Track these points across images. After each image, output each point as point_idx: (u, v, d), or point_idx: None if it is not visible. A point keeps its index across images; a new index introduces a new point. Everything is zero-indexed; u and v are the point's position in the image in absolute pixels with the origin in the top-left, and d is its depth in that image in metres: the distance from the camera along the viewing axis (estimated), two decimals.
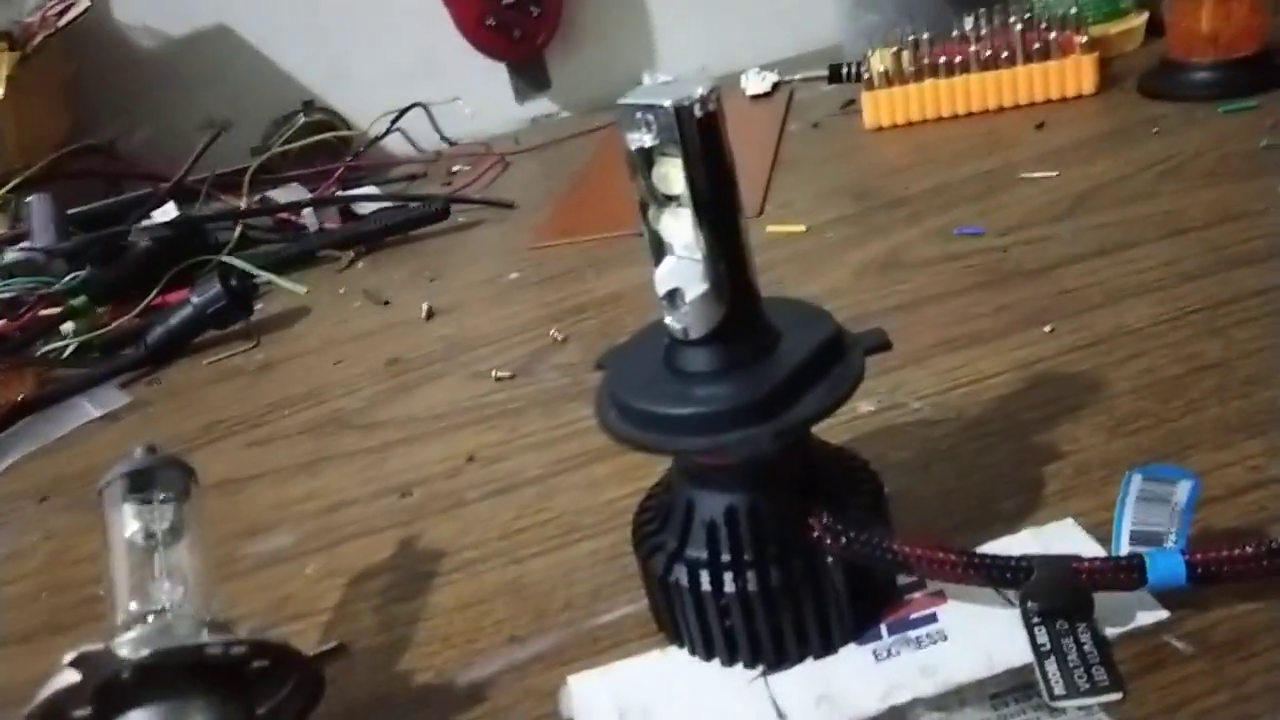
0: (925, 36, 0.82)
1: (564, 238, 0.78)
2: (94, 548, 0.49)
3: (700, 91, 0.29)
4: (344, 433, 0.57)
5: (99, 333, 0.75)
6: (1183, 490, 0.33)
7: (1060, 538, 0.36)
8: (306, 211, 0.91)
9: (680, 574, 0.33)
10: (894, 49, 0.83)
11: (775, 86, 1.03)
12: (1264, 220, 0.54)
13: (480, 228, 0.87)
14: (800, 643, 0.33)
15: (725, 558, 0.33)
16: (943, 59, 0.82)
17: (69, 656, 0.27)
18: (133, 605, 0.31)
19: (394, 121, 1.06)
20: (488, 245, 0.83)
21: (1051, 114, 0.78)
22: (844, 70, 0.92)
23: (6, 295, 0.75)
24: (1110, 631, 0.32)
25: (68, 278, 0.76)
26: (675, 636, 0.35)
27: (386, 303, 0.74)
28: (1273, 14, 0.73)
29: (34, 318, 0.74)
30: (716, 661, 0.34)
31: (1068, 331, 0.49)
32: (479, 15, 1.11)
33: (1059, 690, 0.30)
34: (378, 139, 1.08)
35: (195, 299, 0.72)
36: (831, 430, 0.41)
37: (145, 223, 0.86)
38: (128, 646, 0.28)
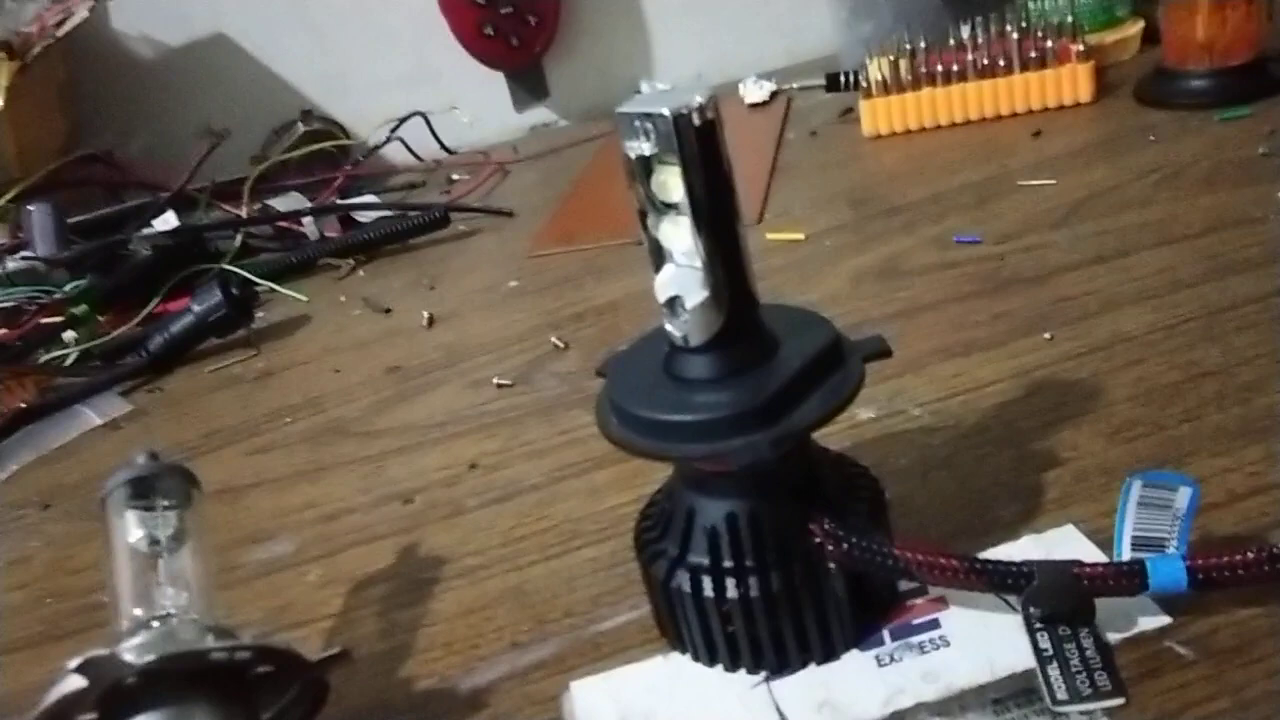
0: (922, 45, 0.83)
1: (563, 245, 0.79)
2: (95, 555, 0.49)
3: (698, 100, 0.29)
4: (344, 440, 0.57)
5: (100, 341, 0.75)
6: (1183, 496, 0.33)
7: (1061, 544, 0.36)
8: (306, 220, 0.91)
9: (682, 580, 0.33)
10: (891, 57, 0.83)
11: (773, 95, 1.03)
12: (1261, 227, 0.54)
13: (479, 236, 0.87)
14: (802, 648, 0.33)
15: (727, 563, 0.33)
16: (940, 67, 0.82)
17: (74, 662, 0.27)
18: (137, 611, 0.32)
19: (393, 130, 1.06)
20: (487, 253, 0.83)
21: (1048, 122, 0.79)
22: (842, 78, 0.92)
23: (7, 304, 0.75)
24: (1112, 637, 0.32)
25: (68, 286, 0.76)
26: (677, 642, 0.35)
27: (388, 310, 0.74)
28: (1268, 22, 0.74)
29: (35, 326, 0.74)
30: (719, 667, 0.34)
31: (1066, 339, 0.49)
32: (477, 24, 1.12)
33: (1061, 695, 0.30)
34: (377, 148, 1.08)
35: (196, 307, 0.72)
36: (832, 437, 0.41)
37: (145, 231, 0.86)
38: (133, 652, 0.28)
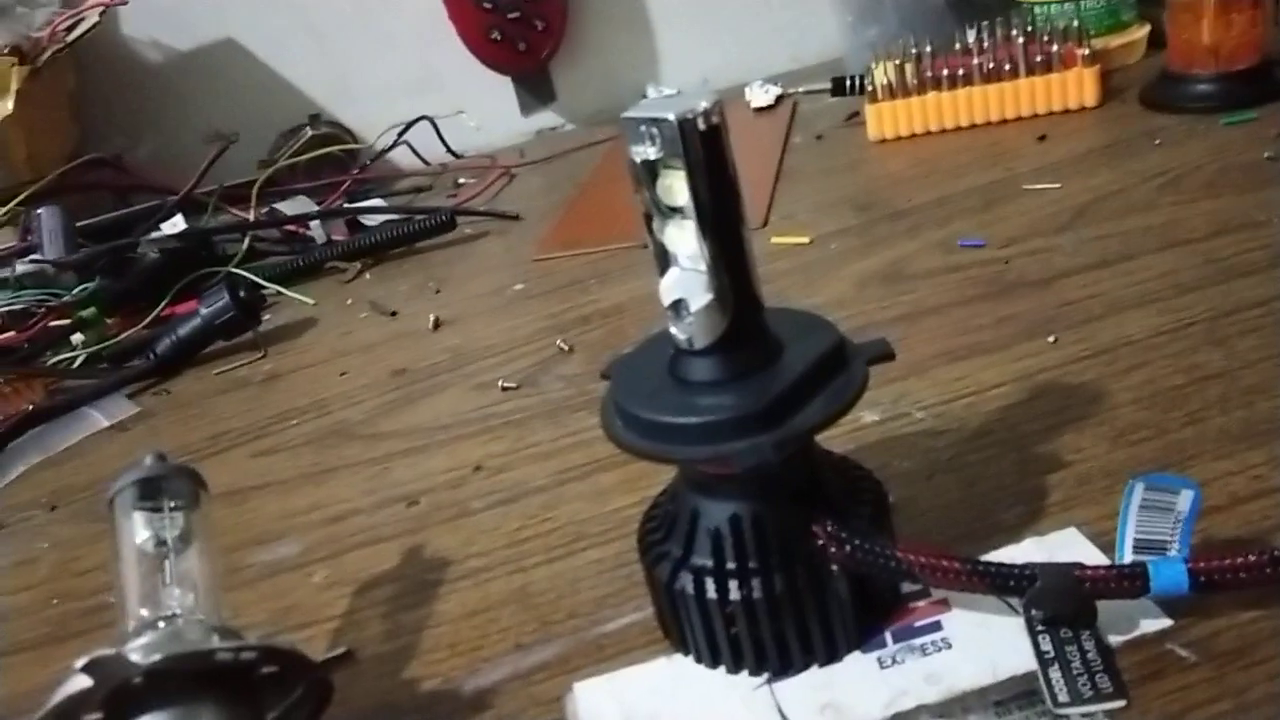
0: (928, 49, 0.83)
1: (569, 249, 0.79)
2: (101, 557, 0.50)
3: (704, 105, 0.29)
4: (350, 443, 0.57)
5: (107, 343, 0.75)
6: (1185, 499, 0.33)
7: (1063, 546, 0.36)
8: (313, 223, 0.92)
9: (686, 582, 0.33)
10: (897, 61, 0.83)
11: (779, 99, 1.03)
12: (1265, 231, 0.54)
13: (485, 239, 0.87)
14: (805, 650, 0.33)
15: (730, 565, 0.33)
16: (945, 71, 0.82)
17: (81, 661, 0.27)
18: (143, 612, 0.32)
19: (400, 134, 1.07)
20: (493, 257, 0.84)
21: (1053, 126, 0.79)
22: (847, 83, 0.92)
23: (16, 307, 0.75)
24: (1114, 639, 0.32)
25: (77, 289, 0.77)
26: (681, 644, 0.35)
27: (394, 314, 0.75)
28: (1274, 26, 0.74)
29: (43, 329, 0.75)
30: (722, 669, 0.34)
31: (1070, 342, 0.49)
32: (484, 29, 1.12)
33: (1063, 698, 0.30)
34: (384, 152, 1.08)
35: (203, 310, 0.72)
36: (835, 440, 0.42)
37: (154, 235, 0.87)
38: (139, 652, 0.28)
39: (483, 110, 1.13)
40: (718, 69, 1.16)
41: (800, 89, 1.03)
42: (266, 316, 0.78)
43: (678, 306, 0.31)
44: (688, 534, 0.34)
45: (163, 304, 0.79)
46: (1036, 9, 0.89)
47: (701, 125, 0.29)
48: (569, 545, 0.43)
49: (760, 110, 1.02)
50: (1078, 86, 0.80)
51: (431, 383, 0.62)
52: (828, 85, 0.94)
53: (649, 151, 0.30)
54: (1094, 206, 0.63)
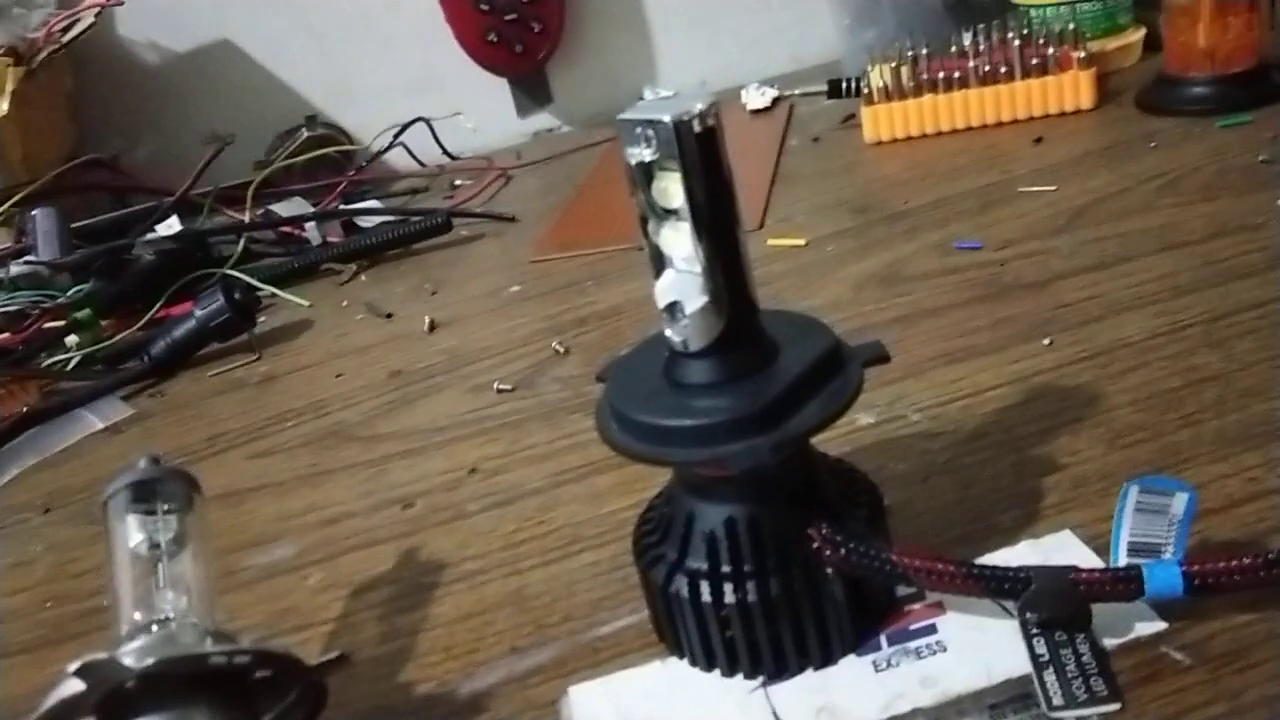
0: (924, 51, 0.83)
1: (565, 251, 0.79)
2: (96, 559, 0.50)
3: (699, 107, 0.29)
4: (346, 445, 0.57)
5: (102, 345, 0.75)
6: (1180, 502, 0.33)
7: (1059, 549, 0.36)
8: (309, 225, 0.91)
9: (681, 585, 0.33)
10: (893, 64, 0.83)
11: (775, 101, 1.03)
12: (1261, 234, 0.55)
13: (482, 241, 0.87)
14: (800, 653, 0.33)
15: (725, 568, 0.33)
16: (941, 74, 0.82)
17: (74, 665, 0.27)
18: (137, 615, 0.32)
19: (396, 136, 1.07)
20: (489, 259, 0.84)
21: (1050, 129, 0.79)
22: (844, 85, 0.92)
23: (11, 308, 0.75)
24: (1109, 642, 0.32)
25: (72, 291, 0.76)
26: (676, 647, 0.35)
27: (390, 315, 0.74)
28: (1269, 29, 0.74)
29: (38, 330, 0.75)
30: (717, 672, 0.34)
31: (1066, 344, 0.49)
32: (480, 30, 1.12)
33: (1057, 701, 0.30)
34: (380, 153, 1.08)
35: (199, 312, 0.72)
36: (831, 442, 0.42)
37: (149, 236, 0.87)
38: (132, 655, 0.28)
39: (479, 112, 1.13)
40: (715, 71, 1.17)
41: (797, 91, 1.03)
42: (262, 318, 0.78)
43: (673, 309, 0.31)
44: (683, 537, 0.34)
45: (158, 306, 0.79)
46: (1033, 12, 0.89)
47: (697, 127, 0.29)
48: (564, 548, 0.43)
49: (757, 112, 1.03)
50: (1074, 89, 0.80)
51: (427, 385, 0.62)
52: (824, 87, 0.94)
53: (644, 153, 0.30)
54: (1090, 209, 0.63)
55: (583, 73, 1.19)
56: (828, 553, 0.33)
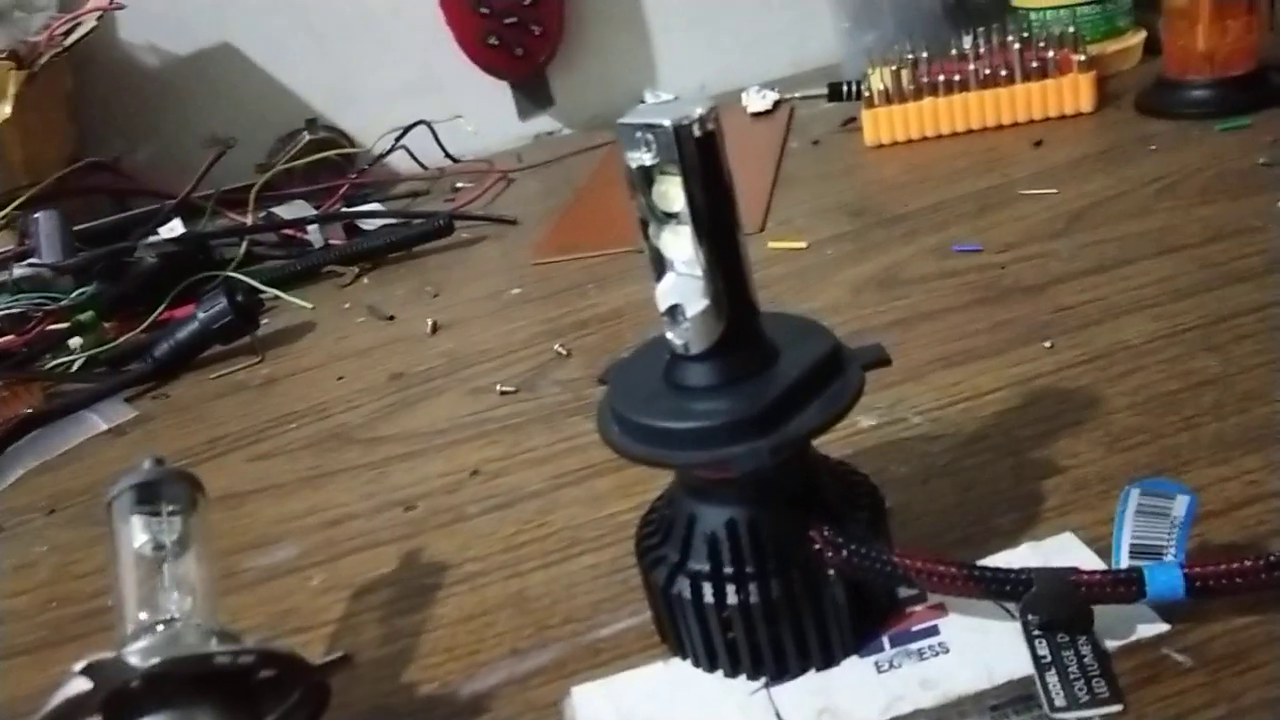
0: (924, 55, 0.83)
1: (566, 254, 0.79)
2: (99, 561, 0.50)
3: (699, 111, 0.30)
4: (347, 447, 0.57)
5: (105, 347, 0.75)
6: (1181, 504, 0.33)
7: (1060, 551, 0.36)
8: (311, 228, 0.92)
9: (682, 586, 0.34)
10: (893, 67, 0.83)
11: (776, 104, 1.04)
12: (1260, 237, 0.55)
13: (483, 244, 0.87)
14: (802, 654, 0.33)
15: (727, 570, 0.33)
16: (941, 77, 0.82)
17: (80, 664, 0.28)
18: (142, 615, 0.32)
19: (398, 139, 1.07)
20: (490, 261, 0.84)
21: (1049, 132, 0.79)
22: (844, 88, 0.92)
23: (13, 310, 0.75)
24: (1110, 644, 0.32)
25: (74, 293, 0.77)
26: (678, 648, 0.35)
27: (391, 318, 0.75)
28: (1268, 32, 0.74)
29: (41, 333, 0.75)
30: (719, 673, 0.34)
31: (1066, 347, 0.49)
32: (481, 34, 1.12)
33: (1059, 702, 0.30)
34: (382, 156, 1.08)
35: (201, 314, 0.72)
36: (832, 445, 0.42)
37: (151, 239, 0.87)
38: (137, 655, 0.28)
39: (480, 115, 1.14)
40: (715, 74, 1.17)
41: (797, 94, 1.03)
42: (264, 321, 0.78)
43: (674, 311, 0.31)
44: (684, 539, 0.34)
45: (160, 308, 0.79)
46: (1033, 15, 0.89)
47: (697, 131, 0.29)
48: (565, 550, 0.43)
49: (757, 115, 1.03)
50: (1074, 92, 0.80)
51: (428, 387, 0.63)
52: (825, 91, 0.95)
53: (645, 157, 0.30)
54: (1090, 212, 0.63)
55: (583, 76, 1.19)
56: (829, 554, 0.33)
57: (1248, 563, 0.31)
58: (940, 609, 0.35)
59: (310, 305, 0.81)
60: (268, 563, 0.48)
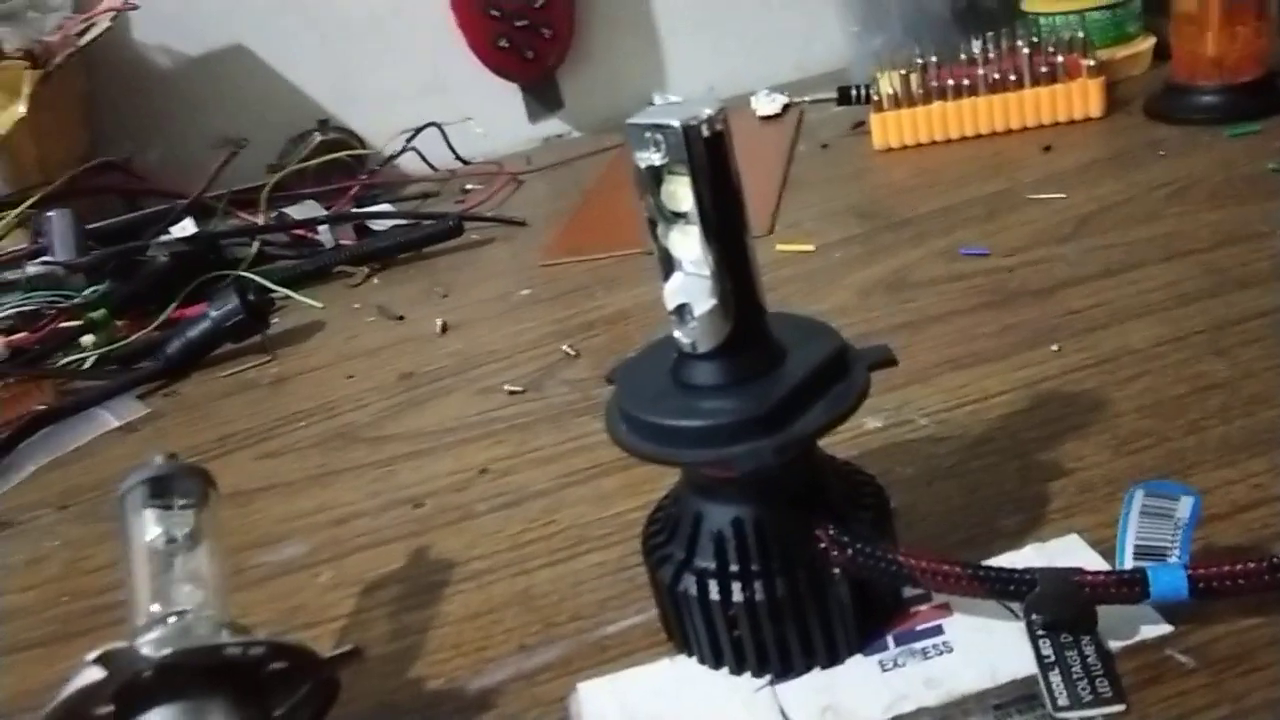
0: (933, 59, 0.83)
1: (574, 255, 0.79)
2: (110, 556, 0.50)
3: (708, 112, 0.30)
4: (356, 445, 0.58)
5: (117, 345, 0.75)
6: (1185, 506, 0.33)
7: (1064, 553, 0.36)
8: (322, 228, 0.92)
9: (689, 583, 0.34)
10: (902, 71, 0.84)
11: (785, 108, 1.04)
12: (1269, 242, 0.55)
13: (492, 245, 0.88)
14: (806, 653, 0.34)
15: (733, 568, 0.33)
16: (950, 81, 0.82)
17: (93, 654, 0.28)
18: (154, 607, 0.32)
19: (409, 141, 1.07)
20: (499, 262, 0.84)
21: (1058, 136, 0.79)
22: (853, 92, 0.93)
23: (27, 308, 0.76)
24: (1114, 644, 0.32)
25: (87, 291, 0.77)
26: (683, 645, 0.36)
27: (401, 318, 0.75)
28: (1278, 38, 0.74)
29: (53, 330, 0.75)
30: (724, 670, 0.35)
31: (1073, 351, 0.49)
32: (491, 37, 1.13)
33: (1062, 701, 0.30)
34: (392, 158, 1.09)
35: (213, 313, 0.73)
36: (839, 445, 0.42)
37: (163, 238, 0.88)
38: (150, 646, 0.28)
39: (490, 117, 1.14)
40: (724, 77, 1.17)
41: (806, 98, 1.03)
42: (275, 320, 0.79)
43: (681, 311, 0.32)
44: (691, 536, 0.34)
45: (172, 306, 0.79)
46: (1042, 20, 0.89)
47: (705, 132, 0.30)
48: (572, 548, 0.44)
49: (766, 119, 1.03)
50: (1082, 97, 0.80)
51: (437, 386, 0.63)
52: (834, 94, 0.95)
53: (654, 158, 0.31)
54: (1098, 217, 0.63)
55: (593, 78, 1.20)
56: (834, 554, 0.33)
57: (1251, 564, 0.31)
58: (945, 609, 0.35)
59: (320, 305, 0.81)
60: (277, 559, 0.48)
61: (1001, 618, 0.34)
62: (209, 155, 0.97)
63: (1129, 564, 0.32)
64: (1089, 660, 0.31)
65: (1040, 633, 0.32)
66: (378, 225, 0.94)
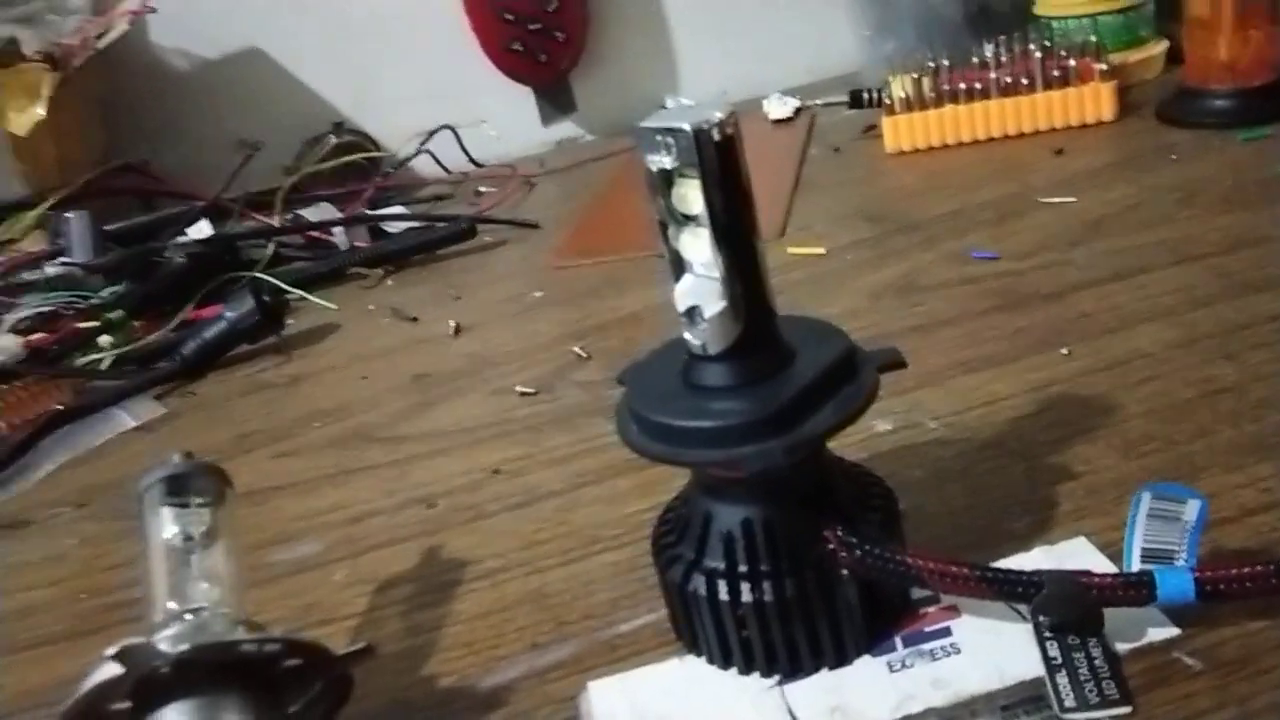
0: (945, 62, 0.84)
1: (586, 258, 0.80)
2: (127, 554, 0.51)
3: (718, 116, 0.30)
4: (370, 445, 0.58)
5: (134, 345, 0.76)
6: (1192, 509, 0.33)
7: (1072, 555, 0.37)
8: (337, 230, 0.93)
9: (698, 583, 0.34)
10: (914, 75, 0.84)
11: (797, 111, 1.04)
12: (1279, 247, 0.55)
13: (505, 247, 0.88)
14: (815, 653, 0.34)
15: (742, 568, 0.34)
16: (962, 85, 0.83)
17: (112, 649, 0.28)
18: (171, 604, 0.33)
19: (422, 143, 1.08)
20: (512, 264, 0.85)
21: (1070, 140, 0.79)
22: (865, 96, 0.93)
23: (45, 309, 0.77)
24: (1120, 646, 0.32)
25: (105, 292, 0.78)
26: (693, 645, 0.36)
27: (415, 319, 0.76)
28: None
29: (71, 330, 0.76)
30: (733, 670, 0.35)
31: (1083, 355, 0.49)
32: (505, 40, 1.13)
33: (1069, 703, 0.31)
34: (406, 160, 1.09)
35: (229, 314, 0.73)
36: (848, 448, 0.42)
37: (180, 240, 0.88)
38: (167, 642, 0.29)
39: (503, 120, 1.15)
40: (737, 81, 1.17)
41: (818, 101, 1.04)
42: (290, 321, 0.79)
43: (692, 313, 0.32)
44: (700, 537, 0.35)
45: (188, 307, 0.80)
46: (1054, 24, 0.89)
47: (716, 136, 0.30)
48: (584, 548, 0.44)
49: (779, 122, 1.03)
50: (1094, 101, 0.80)
51: (451, 387, 0.63)
52: (846, 98, 0.95)
53: (664, 161, 0.31)
54: (1109, 220, 0.64)
55: (605, 82, 1.20)
56: (842, 555, 0.33)
57: (1258, 567, 0.31)
58: (953, 610, 0.35)
59: (335, 306, 0.82)
60: (291, 558, 0.49)
61: (1009, 619, 0.34)
62: (225, 157, 0.98)
63: (1136, 567, 0.33)
64: (1096, 662, 0.32)
65: (1047, 634, 0.33)
66: (392, 227, 0.95)
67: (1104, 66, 0.80)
